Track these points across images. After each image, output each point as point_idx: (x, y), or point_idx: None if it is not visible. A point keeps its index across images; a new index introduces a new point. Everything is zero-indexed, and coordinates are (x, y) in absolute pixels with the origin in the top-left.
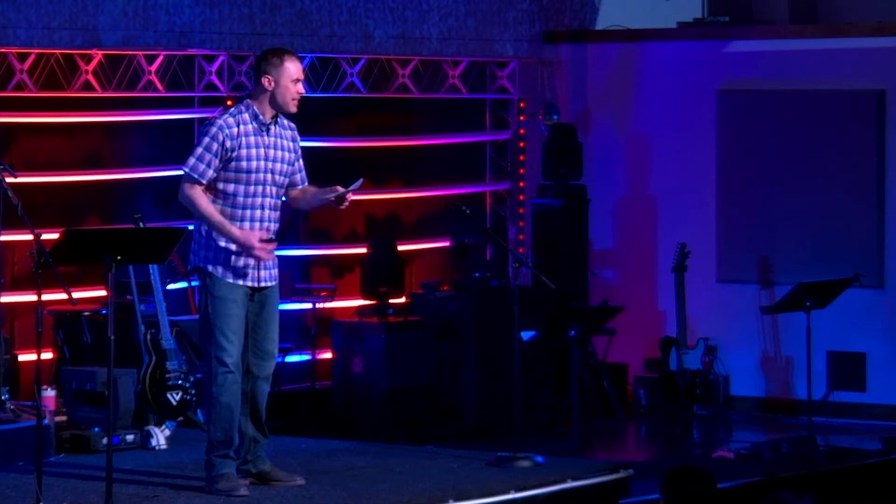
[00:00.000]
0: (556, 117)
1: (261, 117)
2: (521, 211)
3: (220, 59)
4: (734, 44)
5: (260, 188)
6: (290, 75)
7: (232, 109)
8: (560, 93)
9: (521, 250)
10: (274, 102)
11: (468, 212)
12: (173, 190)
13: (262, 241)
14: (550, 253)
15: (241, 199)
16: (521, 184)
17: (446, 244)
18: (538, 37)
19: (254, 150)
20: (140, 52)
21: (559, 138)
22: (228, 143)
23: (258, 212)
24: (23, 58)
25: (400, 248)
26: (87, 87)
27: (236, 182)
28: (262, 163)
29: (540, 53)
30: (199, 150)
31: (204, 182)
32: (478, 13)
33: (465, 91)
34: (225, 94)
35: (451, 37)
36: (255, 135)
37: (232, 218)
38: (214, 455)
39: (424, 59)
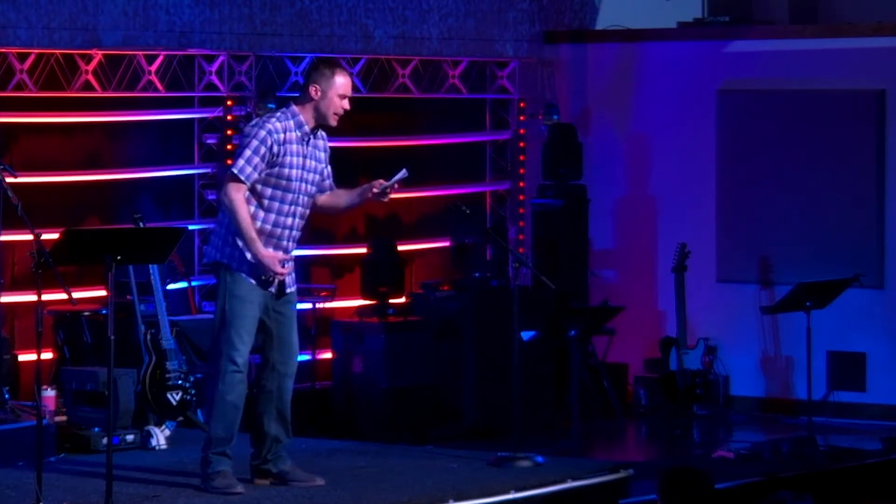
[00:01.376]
0: (556, 117)
1: (305, 126)
2: (521, 211)
3: (220, 59)
4: (734, 44)
5: (294, 196)
6: (338, 89)
7: (278, 114)
8: (560, 93)
9: (521, 250)
10: (317, 112)
11: (468, 212)
12: (173, 190)
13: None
14: (550, 253)
15: (276, 204)
16: (521, 184)
17: (446, 244)
18: (538, 37)
19: (295, 159)
20: (140, 52)
21: (559, 138)
22: (276, 149)
23: (289, 219)
24: (23, 58)
25: (400, 248)
26: (87, 87)
27: (274, 188)
28: (300, 172)
29: (540, 53)
30: (248, 152)
31: (248, 184)
32: (478, 13)
33: (465, 91)
34: (225, 94)
35: (451, 37)
36: (297, 143)
37: (265, 222)
38: (211, 452)
39: (424, 59)
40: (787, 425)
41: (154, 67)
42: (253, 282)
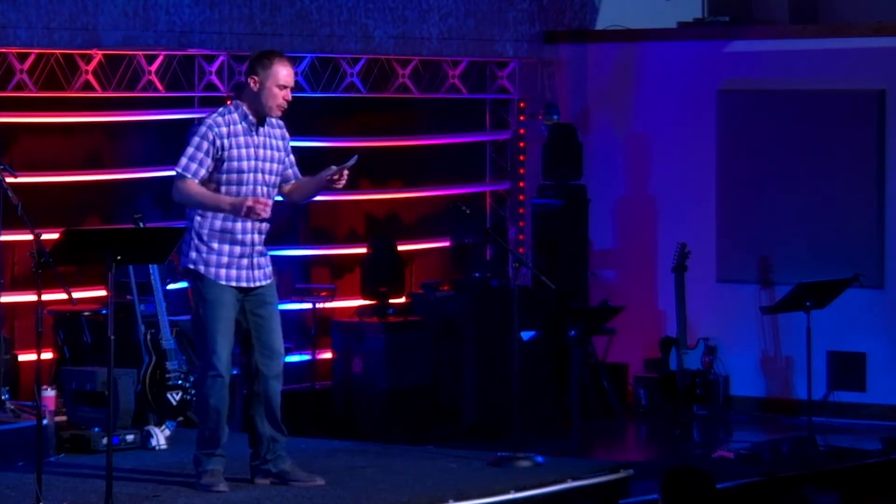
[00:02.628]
0: (556, 117)
1: (250, 117)
2: (521, 211)
3: (220, 59)
4: (734, 44)
5: (252, 188)
6: (277, 80)
7: (221, 109)
8: (560, 93)
9: (521, 250)
10: (258, 104)
11: (468, 212)
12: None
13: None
14: (550, 253)
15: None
16: (521, 184)
17: (446, 244)
18: (538, 37)
19: (244, 151)
20: (140, 52)
21: (559, 138)
22: (219, 143)
23: None
24: (23, 58)
25: (400, 248)
26: (87, 87)
27: (227, 183)
28: (253, 162)
29: (540, 53)
30: (191, 149)
31: (196, 181)
32: (478, 13)
33: (465, 91)
34: (225, 94)
35: (451, 37)
36: (244, 135)
37: (225, 219)
38: (201, 452)
39: (424, 59)
40: (787, 425)
41: (154, 67)
42: (224, 283)
